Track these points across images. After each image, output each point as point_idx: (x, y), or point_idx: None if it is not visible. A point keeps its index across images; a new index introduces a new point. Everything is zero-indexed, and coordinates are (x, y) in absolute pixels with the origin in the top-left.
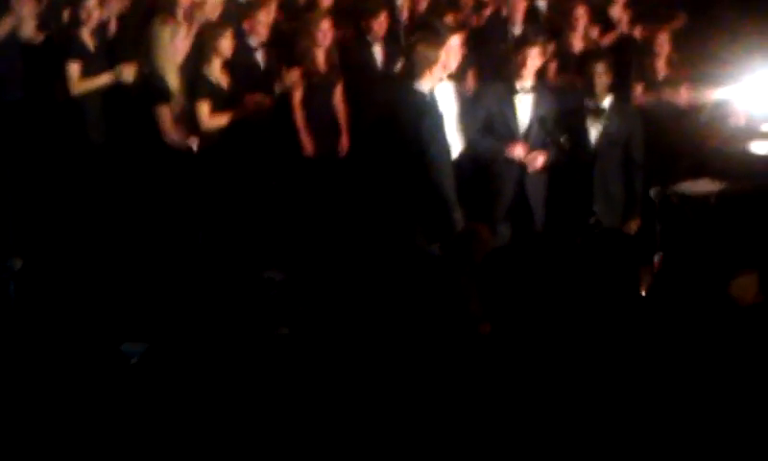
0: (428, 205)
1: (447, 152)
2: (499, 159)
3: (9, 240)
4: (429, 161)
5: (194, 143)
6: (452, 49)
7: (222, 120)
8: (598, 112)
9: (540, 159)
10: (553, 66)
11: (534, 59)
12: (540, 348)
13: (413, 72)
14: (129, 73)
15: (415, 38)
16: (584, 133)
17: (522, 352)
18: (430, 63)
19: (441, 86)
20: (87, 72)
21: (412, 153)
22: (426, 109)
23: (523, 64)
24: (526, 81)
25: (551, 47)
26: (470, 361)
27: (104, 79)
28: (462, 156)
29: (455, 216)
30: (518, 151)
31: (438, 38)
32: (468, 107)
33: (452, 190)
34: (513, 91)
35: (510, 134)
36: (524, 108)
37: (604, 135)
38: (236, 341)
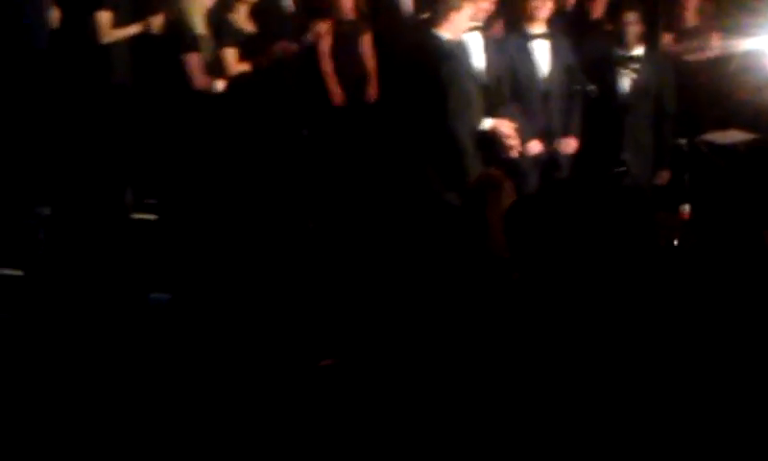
0: (443, 152)
1: (467, 100)
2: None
3: (37, 188)
4: (445, 108)
5: (220, 85)
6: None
7: (248, 66)
8: (629, 62)
9: (572, 145)
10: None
11: (544, 4)
12: (568, 295)
13: (435, 18)
14: (158, 23)
15: None
16: (614, 82)
17: (551, 299)
18: (450, 9)
19: (470, 36)
20: (117, 22)
21: (429, 99)
22: (445, 55)
23: (533, 11)
24: (538, 27)
25: None
26: (499, 306)
27: (133, 28)
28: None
29: (469, 164)
30: (534, 147)
31: None
32: (493, 56)
33: (468, 138)
34: (529, 39)
35: (531, 83)
36: (542, 55)
37: (635, 85)
38: (259, 291)
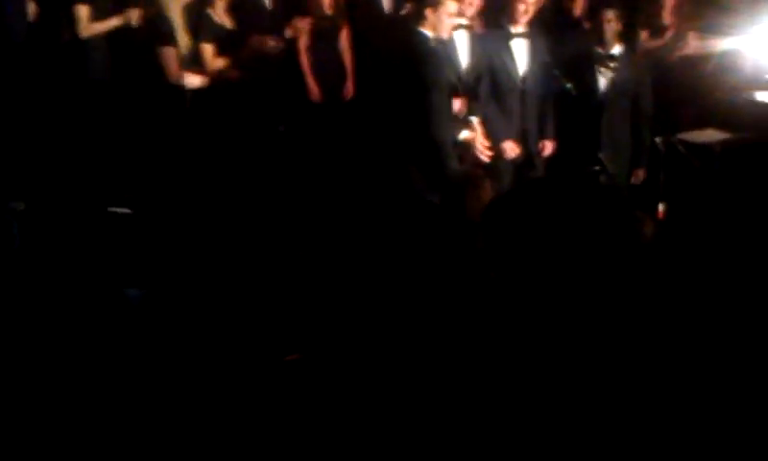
0: (424, 151)
1: (449, 101)
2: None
3: (12, 182)
4: (428, 109)
5: (197, 81)
6: None
7: (226, 62)
8: (608, 60)
9: (548, 147)
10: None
11: (529, 8)
12: (544, 294)
13: (417, 14)
14: (135, 17)
15: None
16: (592, 80)
17: (527, 298)
18: (432, 6)
19: (456, 34)
20: (95, 15)
21: (411, 99)
22: (428, 53)
23: (518, 14)
24: (520, 26)
25: None
26: (476, 306)
27: (112, 22)
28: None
29: (449, 164)
30: (511, 151)
31: None
32: (473, 53)
33: (449, 137)
34: (509, 37)
35: (510, 81)
36: (521, 53)
37: (612, 83)
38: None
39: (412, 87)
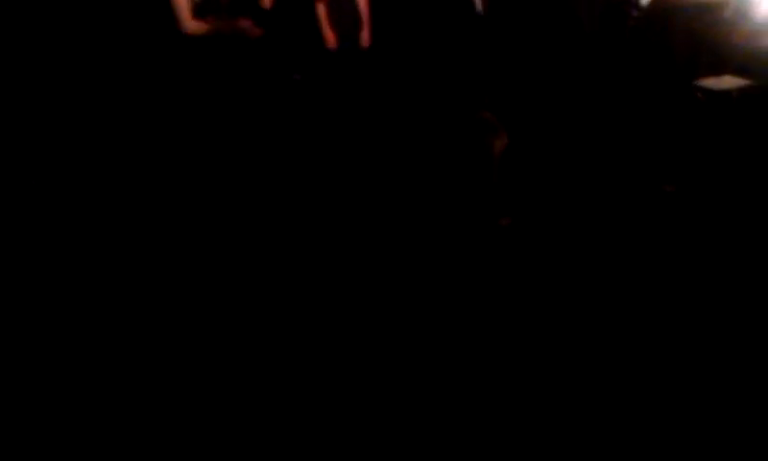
0: (452, 98)
1: (476, 50)
2: None
3: None
4: (458, 55)
5: (210, 29)
6: None
7: (242, 9)
8: (634, 8)
9: None
10: None
11: None
12: (558, 240)
13: None
14: None
15: None
16: (619, 26)
17: (540, 245)
18: None
19: None
20: None
21: (441, 45)
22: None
23: None
24: None
25: None
26: (487, 254)
27: None
28: None
29: (474, 110)
30: None
31: None
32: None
33: (476, 86)
34: None
35: None
36: None
37: (637, 29)
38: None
39: (444, 35)
